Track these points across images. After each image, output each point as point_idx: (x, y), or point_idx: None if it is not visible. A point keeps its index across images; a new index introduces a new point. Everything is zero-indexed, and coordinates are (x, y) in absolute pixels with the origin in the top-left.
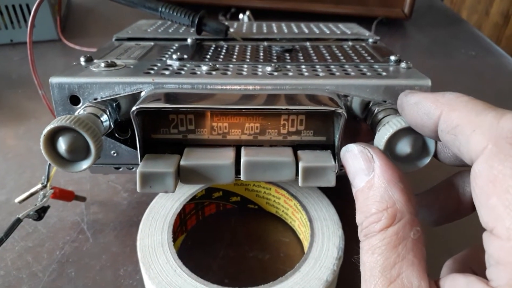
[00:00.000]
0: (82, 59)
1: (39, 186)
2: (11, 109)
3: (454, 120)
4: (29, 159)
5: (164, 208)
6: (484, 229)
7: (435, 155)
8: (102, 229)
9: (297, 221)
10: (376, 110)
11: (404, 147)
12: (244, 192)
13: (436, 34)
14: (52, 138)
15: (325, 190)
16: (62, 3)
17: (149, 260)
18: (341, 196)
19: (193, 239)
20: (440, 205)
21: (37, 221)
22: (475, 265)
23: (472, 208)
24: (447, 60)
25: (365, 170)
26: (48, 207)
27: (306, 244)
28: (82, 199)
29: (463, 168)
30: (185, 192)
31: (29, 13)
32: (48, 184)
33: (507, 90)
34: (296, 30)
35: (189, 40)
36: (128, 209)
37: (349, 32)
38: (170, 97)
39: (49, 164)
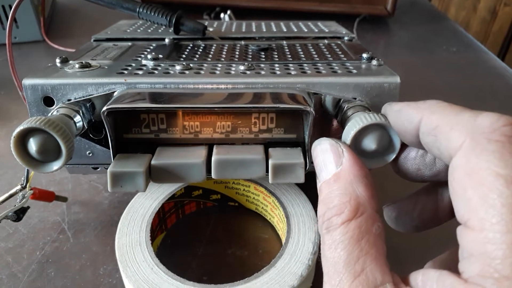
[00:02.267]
0: (57, 60)
1: (19, 187)
2: None
3: (434, 121)
4: (11, 160)
5: (142, 207)
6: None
7: (396, 171)
8: (83, 228)
9: (276, 217)
10: (345, 107)
11: (370, 143)
12: (224, 190)
13: (419, 31)
14: (23, 139)
15: (302, 187)
16: (46, 4)
17: (127, 259)
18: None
19: (173, 237)
20: (420, 212)
21: (17, 222)
22: (454, 266)
23: (450, 215)
24: (428, 56)
25: (334, 163)
26: (28, 208)
27: (284, 240)
28: (63, 199)
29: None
30: (164, 191)
31: None
32: (28, 185)
33: (486, 86)
34: (274, 29)
35: (166, 40)
36: (109, 208)
37: (326, 30)
38: (141, 96)
39: None
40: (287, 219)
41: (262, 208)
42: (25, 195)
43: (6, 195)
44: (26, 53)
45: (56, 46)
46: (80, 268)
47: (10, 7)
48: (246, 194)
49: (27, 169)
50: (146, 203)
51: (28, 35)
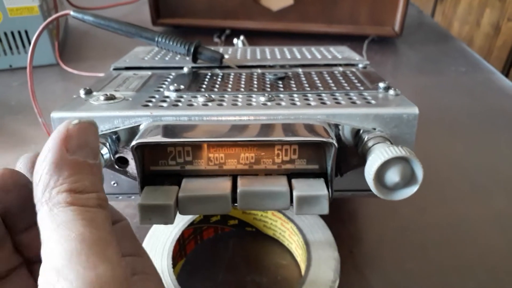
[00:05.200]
0: (81, 92)
1: None
2: (11, 135)
3: None
4: None
5: (163, 234)
6: None
7: None
8: None
9: (294, 243)
10: (366, 138)
11: (393, 175)
12: (241, 215)
13: (427, 51)
14: None
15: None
16: (60, 28)
17: None
18: (336, 219)
19: (192, 263)
20: None
21: None
22: None
23: None
24: (437, 77)
25: None
26: None
27: (303, 267)
28: None
29: None
30: (184, 217)
31: (28, 39)
32: None
33: (496, 106)
34: (288, 56)
35: (185, 69)
36: None
37: (340, 57)
38: (168, 130)
39: None
40: (306, 246)
41: (280, 234)
42: None
43: None
44: (40, 77)
45: (70, 70)
46: None
47: (26, 32)
48: (263, 220)
49: None
50: (166, 230)
51: (43, 59)
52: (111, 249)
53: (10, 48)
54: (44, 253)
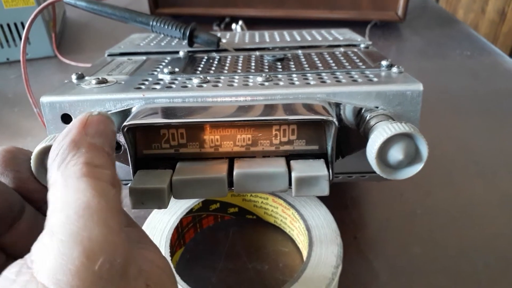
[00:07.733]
0: (73, 77)
1: None
2: (8, 128)
3: None
4: None
5: (161, 223)
6: None
7: None
8: None
9: (296, 230)
10: (368, 117)
11: (397, 153)
12: (241, 203)
13: (431, 35)
14: (42, 157)
15: (322, 198)
16: (57, 20)
17: None
18: (340, 205)
19: (192, 252)
20: None
21: None
22: None
23: None
24: (442, 61)
25: None
26: None
27: (305, 253)
28: None
29: None
30: (182, 205)
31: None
32: None
33: (502, 89)
34: (288, 38)
35: (181, 53)
36: None
37: (341, 38)
38: (160, 112)
39: None
40: (308, 232)
41: (281, 220)
42: None
43: None
44: (38, 69)
45: (67, 61)
46: None
47: (23, 24)
48: (264, 207)
49: None
50: (164, 219)
51: (40, 51)
52: (114, 220)
53: (7, 40)
54: (47, 221)
